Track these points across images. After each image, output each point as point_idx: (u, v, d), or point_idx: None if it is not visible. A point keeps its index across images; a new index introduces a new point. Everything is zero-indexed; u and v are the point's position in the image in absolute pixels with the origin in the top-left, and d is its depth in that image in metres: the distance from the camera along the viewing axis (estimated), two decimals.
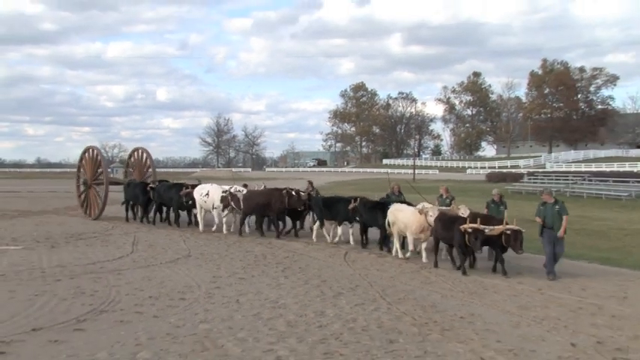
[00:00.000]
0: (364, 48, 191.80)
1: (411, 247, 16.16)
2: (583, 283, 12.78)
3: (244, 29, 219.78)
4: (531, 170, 69.73)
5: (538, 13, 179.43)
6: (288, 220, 21.18)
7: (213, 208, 21.90)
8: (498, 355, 8.32)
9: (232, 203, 21.00)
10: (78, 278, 13.50)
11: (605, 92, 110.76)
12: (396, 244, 16.86)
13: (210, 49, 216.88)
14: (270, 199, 20.23)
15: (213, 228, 22.00)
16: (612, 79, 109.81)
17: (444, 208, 16.34)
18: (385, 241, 17.68)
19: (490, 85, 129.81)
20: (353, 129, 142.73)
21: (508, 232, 13.59)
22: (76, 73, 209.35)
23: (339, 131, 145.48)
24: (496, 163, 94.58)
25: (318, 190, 22.61)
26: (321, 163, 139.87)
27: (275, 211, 20.25)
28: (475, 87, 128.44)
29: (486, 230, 13.69)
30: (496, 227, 13.75)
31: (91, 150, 28.39)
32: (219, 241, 19.93)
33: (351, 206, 18.32)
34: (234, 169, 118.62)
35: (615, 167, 69.63)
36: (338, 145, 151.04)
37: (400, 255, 16.54)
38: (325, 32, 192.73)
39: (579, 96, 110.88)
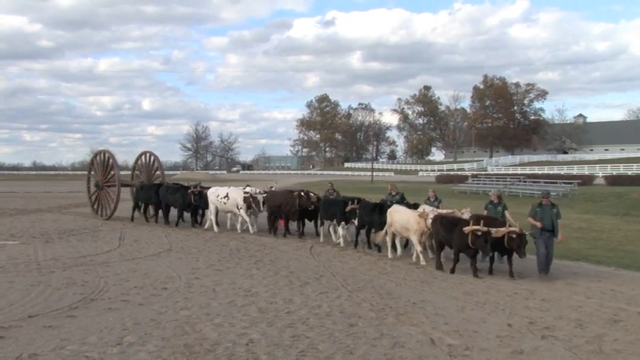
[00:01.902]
0: (328, 64, 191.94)
1: (418, 247, 14.55)
2: (518, 272, 12.94)
3: (221, 46, 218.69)
4: (475, 172, 70.38)
5: (480, 35, 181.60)
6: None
7: (238, 208, 20.39)
8: (446, 335, 8.41)
9: (253, 205, 19.89)
10: (70, 270, 13.34)
11: (536, 105, 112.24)
12: (389, 244, 15.66)
13: (191, 64, 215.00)
14: (283, 201, 19.29)
15: (238, 227, 20.81)
16: (542, 94, 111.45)
17: (440, 211, 14.88)
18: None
19: (439, 98, 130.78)
20: (318, 136, 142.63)
21: (513, 235, 12.30)
22: (69, 86, 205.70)
23: (306, 138, 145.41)
24: (444, 167, 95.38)
25: (338, 191, 21.18)
26: (247, 167, 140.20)
27: (287, 212, 19.17)
28: (426, 99, 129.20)
29: (492, 232, 12.42)
30: (500, 229, 12.47)
31: (102, 153, 27.02)
32: (197, 236, 19.79)
33: (348, 208, 16.91)
34: (211, 172, 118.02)
35: (546, 170, 70.72)
36: (304, 150, 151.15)
37: (390, 255, 15.43)
38: (294, 49, 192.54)
39: (515, 108, 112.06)
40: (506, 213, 14.45)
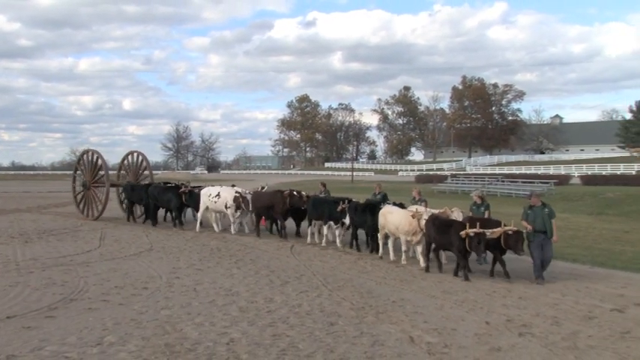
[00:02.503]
0: (309, 64, 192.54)
1: (404, 247, 14.32)
2: (497, 270, 12.98)
3: (203, 47, 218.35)
4: (454, 172, 70.76)
5: (460, 36, 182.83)
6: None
7: (226, 207, 19.94)
8: (425, 333, 8.45)
9: (243, 205, 19.47)
10: (49, 270, 13.18)
11: (514, 105, 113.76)
12: (380, 245, 15.32)
13: (172, 64, 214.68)
14: (273, 201, 18.67)
15: (233, 228, 20.16)
16: (520, 95, 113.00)
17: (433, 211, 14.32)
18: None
19: (418, 98, 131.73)
20: (298, 136, 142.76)
21: (510, 232, 12.01)
22: (49, 85, 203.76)
23: (286, 138, 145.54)
24: (424, 166, 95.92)
25: (329, 191, 20.44)
26: (211, 168, 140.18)
27: (278, 212, 18.57)
28: (405, 99, 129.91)
29: (488, 233, 12.07)
30: (496, 230, 12.10)
31: (89, 153, 26.05)
32: (178, 235, 19.68)
33: (339, 208, 16.50)
34: (192, 172, 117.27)
35: (523, 170, 71.45)
36: (285, 150, 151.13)
37: (380, 254, 15.21)
38: (275, 50, 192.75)
39: (493, 108, 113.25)
40: (486, 213, 14.35)
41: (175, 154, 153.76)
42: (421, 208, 14.48)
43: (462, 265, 12.63)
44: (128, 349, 7.68)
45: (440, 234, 12.97)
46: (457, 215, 13.95)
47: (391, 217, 14.65)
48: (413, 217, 13.85)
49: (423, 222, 13.58)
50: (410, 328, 8.75)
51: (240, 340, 8.07)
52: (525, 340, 8.24)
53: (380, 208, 15.39)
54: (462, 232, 12.15)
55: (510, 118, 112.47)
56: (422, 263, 13.85)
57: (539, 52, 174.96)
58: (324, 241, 17.46)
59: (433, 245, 13.48)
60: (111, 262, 14.54)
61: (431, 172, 76.87)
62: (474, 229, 12.03)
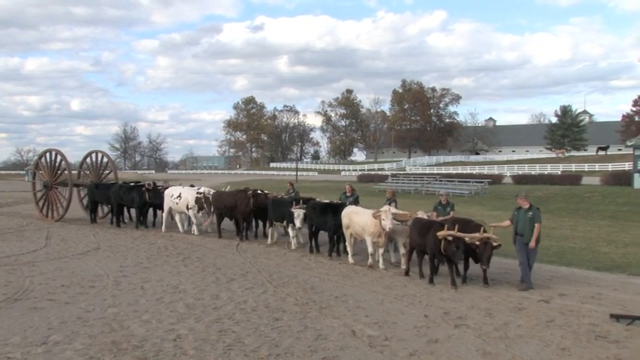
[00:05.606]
0: (257, 67, 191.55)
1: (370, 249, 13.51)
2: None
3: (152, 49, 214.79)
4: (394, 172, 71.44)
5: (401, 42, 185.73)
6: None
7: (187, 209, 19.39)
8: (366, 327, 8.56)
9: (205, 205, 18.87)
10: None
11: (451, 108, 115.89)
12: (349, 248, 14.55)
13: (121, 66, 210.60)
14: (236, 201, 17.84)
15: (193, 229, 19.52)
16: (456, 98, 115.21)
17: (395, 211, 13.50)
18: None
19: (360, 101, 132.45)
20: (244, 137, 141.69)
21: (477, 243, 11.24)
22: None
23: (232, 138, 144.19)
24: (365, 167, 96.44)
25: (298, 191, 19.35)
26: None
27: (241, 212, 17.74)
28: (348, 102, 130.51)
29: (466, 238, 11.27)
30: (474, 235, 11.30)
31: (50, 153, 24.53)
32: (125, 234, 19.30)
33: (293, 208, 15.67)
34: (139, 172, 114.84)
35: (459, 170, 72.74)
36: (231, 150, 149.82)
37: (351, 260, 14.28)
38: (223, 53, 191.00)
39: (432, 111, 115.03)
40: (451, 213, 13.91)
41: (123, 155, 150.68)
42: (385, 208, 13.54)
43: (431, 268, 12.06)
44: (74, 347, 7.51)
45: (420, 236, 12.15)
46: (421, 217, 13.19)
47: (357, 218, 13.94)
48: (374, 216, 13.23)
49: (383, 223, 12.92)
50: (352, 322, 8.85)
51: (187, 337, 8.00)
52: (461, 331, 8.45)
53: (342, 209, 14.70)
54: (440, 233, 11.32)
55: (447, 120, 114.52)
56: (381, 265, 13.49)
57: (475, 58, 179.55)
58: (293, 242, 16.54)
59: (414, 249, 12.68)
60: (57, 261, 14.16)
61: (372, 172, 77.42)
62: (451, 232, 11.24)
